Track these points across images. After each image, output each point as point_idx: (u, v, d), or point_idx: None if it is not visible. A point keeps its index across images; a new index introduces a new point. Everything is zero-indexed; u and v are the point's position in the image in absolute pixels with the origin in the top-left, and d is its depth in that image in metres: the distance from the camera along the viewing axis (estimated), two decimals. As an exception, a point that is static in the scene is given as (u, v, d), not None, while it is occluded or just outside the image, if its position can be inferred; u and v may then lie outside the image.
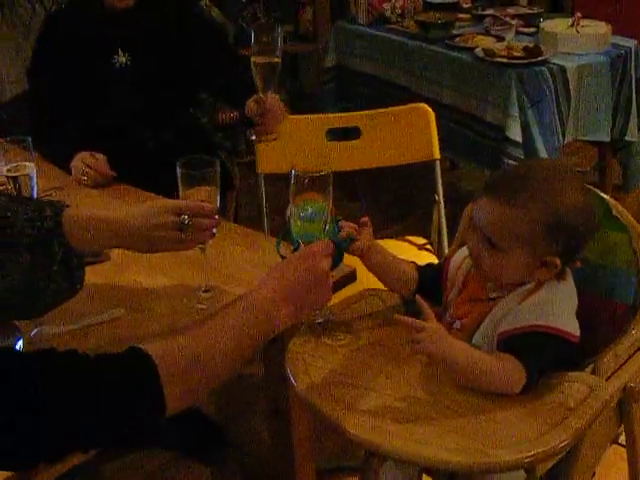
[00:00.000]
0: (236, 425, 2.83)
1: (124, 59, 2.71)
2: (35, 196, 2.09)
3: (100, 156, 2.53)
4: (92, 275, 1.99)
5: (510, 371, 1.49)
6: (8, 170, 2.05)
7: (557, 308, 1.56)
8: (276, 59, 2.20)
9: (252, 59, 2.20)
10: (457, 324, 1.66)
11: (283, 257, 1.77)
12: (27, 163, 2.07)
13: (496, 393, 1.50)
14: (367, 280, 1.88)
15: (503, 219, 1.54)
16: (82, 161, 2.52)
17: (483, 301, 1.64)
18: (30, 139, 2.07)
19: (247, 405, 2.93)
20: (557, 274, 1.59)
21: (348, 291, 1.90)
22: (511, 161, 3.36)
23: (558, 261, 1.56)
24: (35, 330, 1.76)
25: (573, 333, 1.55)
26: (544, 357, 1.52)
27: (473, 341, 1.60)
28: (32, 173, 2.06)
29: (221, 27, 3.46)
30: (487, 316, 1.61)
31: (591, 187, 1.77)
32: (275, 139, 2.42)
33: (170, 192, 2.57)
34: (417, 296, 1.56)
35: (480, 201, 1.59)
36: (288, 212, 1.66)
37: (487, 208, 1.57)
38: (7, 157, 2.06)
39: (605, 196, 1.77)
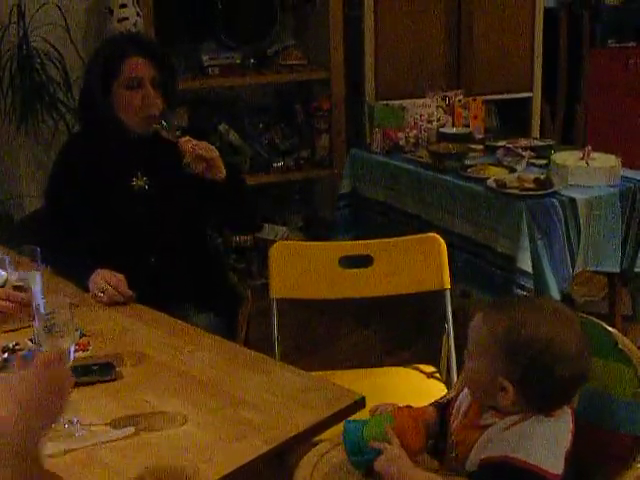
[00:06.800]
0: None
1: (142, 183, 2.79)
2: (42, 304, 2.07)
3: (120, 275, 2.55)
4: (103, 393, 2.02)
5: None
6: (16, 281, 2.09)
7: (536, 443, 1.58)
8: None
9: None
10: (454, 452, 1.70)
11: None
12: (33, 272, 2.10)
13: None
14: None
15: (476, 328, 1.68)
16: (102, 278, 2.54)
17: (476, 428, 1.68)
18: (39, 249, 2.11)
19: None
20: (542, 410, 1.62)
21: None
22: (521, 291, 3.39)
23: (509, 386, 1.60)
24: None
25: (550, 471, 1.56)
26: None
27: (466, 467, 1.64)
28: (37, 280, 2.09)
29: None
30: (476, 443, 1.64)
31: (598, 320, 1.81)
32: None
33: (179, 311, 2.60)
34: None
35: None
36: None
37: (474, 318, 1.72)
38: (18, 268, 2.11)
39: (611, 329, 1.80)
